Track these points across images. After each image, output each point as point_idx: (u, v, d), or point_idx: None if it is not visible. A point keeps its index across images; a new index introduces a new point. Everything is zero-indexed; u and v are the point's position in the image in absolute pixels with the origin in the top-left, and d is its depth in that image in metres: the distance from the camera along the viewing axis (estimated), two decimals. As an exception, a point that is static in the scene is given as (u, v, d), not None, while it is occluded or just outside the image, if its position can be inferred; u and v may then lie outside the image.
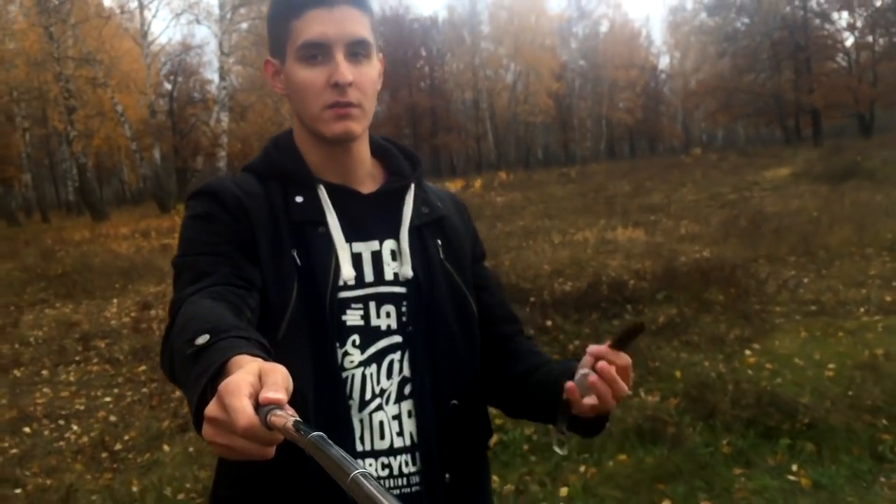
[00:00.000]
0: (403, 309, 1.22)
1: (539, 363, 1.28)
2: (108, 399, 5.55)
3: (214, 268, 1.10)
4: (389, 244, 1.23)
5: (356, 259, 1.20)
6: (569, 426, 1.16)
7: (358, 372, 1.18)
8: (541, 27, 51.60)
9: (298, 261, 1.15)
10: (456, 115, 51.70)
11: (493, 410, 1.37)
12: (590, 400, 1.09)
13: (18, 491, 4.00)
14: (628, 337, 1.08)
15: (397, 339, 1.21)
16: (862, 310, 6.53)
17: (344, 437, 1.16)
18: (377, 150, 1.32)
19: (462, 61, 50.85)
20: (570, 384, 1.10)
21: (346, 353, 1.17)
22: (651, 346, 5.62)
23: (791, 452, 3.62)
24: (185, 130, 31.66)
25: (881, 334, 5.69)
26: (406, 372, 1.21)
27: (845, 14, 42.64)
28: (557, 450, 1.18)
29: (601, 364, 1.08)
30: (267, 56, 1.25)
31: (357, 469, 0.62)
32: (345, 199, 1.22)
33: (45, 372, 6.54)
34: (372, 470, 1.18)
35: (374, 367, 1.19)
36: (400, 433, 1.21)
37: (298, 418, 0.71)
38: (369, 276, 1.20)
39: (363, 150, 1.26)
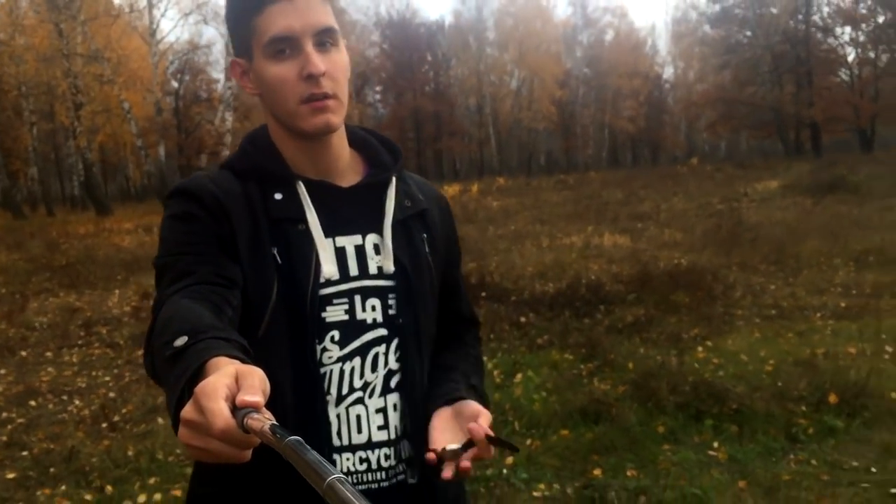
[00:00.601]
0: (389, 302, 1.22)
1: (449, 360, 1.33)
2: (108, 378, 5.99)
3: (195, 267, 1.10)
4: (372, 238, 1.23)
5: (340, 253, 1.20)
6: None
7: (336, 367, 1.18)
8: (546, 34, 52.00)
9: (279, 259, 1.16)
10: (460, 119, 52.14)
11: None
12: (446, 473, 1.14)
13: (25, 453, 4.44)
14: (500, 444, 1.16)
15: (382, 332, 1.21)
16: (818, 314, 6.95)
17: (319, 432, 1.16)
18: (356, 142, 1.31)
19: (467, 66, 51.28)
20: (430, 455, 1.16)
21: (324, 349, 1.18)
22: (613, 343, 6.05)
23: (715, 432, 4.06)
24: (189, 129, 32.23)
25: (827, 336, 6.12)
26: (392, 365, 1.22)
27: (848, 29, 43.07)
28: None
29: (472, 426, 1.15)
30: (233, 58, 1.25)
31: (333, 474, 0.63)
32: (324, 194, 1.22)
33: (49, 353, 6.98)
34: (351, 464, 1.19)
35: (357, 360, 1.20)
36: (384, 426, 1.21)
37: (275, 422, 0.72)
38: (353, 270, 1.21)
39: (341, 142, 1.26)
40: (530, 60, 49.31)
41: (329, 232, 1.20)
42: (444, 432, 1.19)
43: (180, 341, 0.90)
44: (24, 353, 7.00)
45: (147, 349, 1.01)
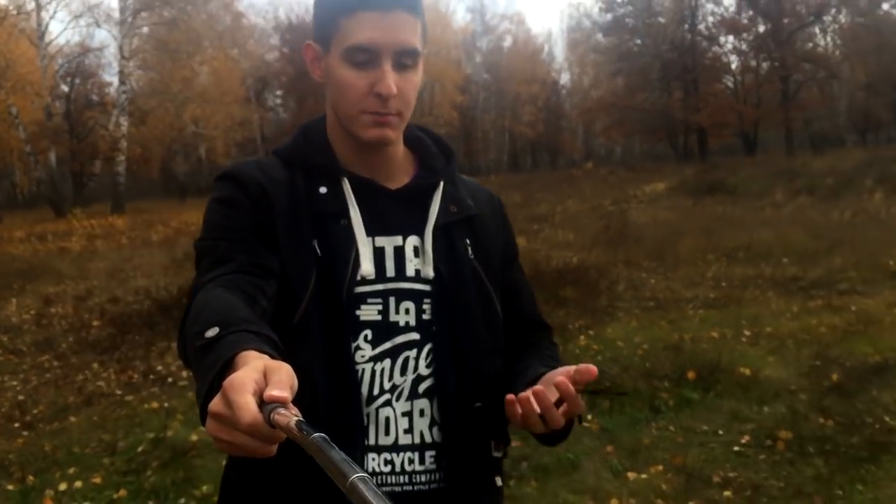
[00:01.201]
0: (424, 307, 1.21)
1: (525, 362, 1.28)
2: (15, 383, 6.06)
3: (232, 254, 1.10)
4: (412, 240, 1.22)
5: (378, 253, 1.20)
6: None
7: (368, 367, 1.18)
8: (445, 40, 52.67)
9: (319, 251, 1.16)
10: (361, 124, 52.17)
11: None
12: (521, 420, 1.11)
13: (-63, 455, 4.55)
14: (606, 392, 1.18)
15: (415, 336, 1.20)
16: (690, 305, 7.66)
17: (356, 428, 1.16)
18: (411, 142, 1.30)
19: (367, 71, 51.37)
20: (509, 397, 1.11)
21: (357, 348, 1.17)
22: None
23: (589, 407, 4.57)
24: (82, 134, 31.25)
25: (696, 323, 6.80)
26: (422, 370, 1.21)
27: (731, 38, 45.32)
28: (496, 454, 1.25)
29: (559, 379, 1.08)
30: (309, 41, 1.23)
31: (357, 473, 0.63)
32: (370, 193, 1.22)
33: (-51, 362, 6.95)
34: (376, 465, 1.18)
35: (387, 362, 1.19)
36: (409, 430, 1.20)
37: (301, 418, 0.72)
38: (391, 270, 1.20)
39: (396, 147, 1.25)
40: (431, 66, 49.82)
41: (370, 231, 1.19)
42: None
43: (212, 332, 0.91)
44: (-78, 363, 6.95)
45: (180, 335, 1.02)
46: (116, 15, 28.24)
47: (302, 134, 1.27)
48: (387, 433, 1.19)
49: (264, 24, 50.52)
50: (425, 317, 1.20)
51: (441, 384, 1.20)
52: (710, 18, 45.41)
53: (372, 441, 1.18)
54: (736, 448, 4.02)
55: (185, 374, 5.91)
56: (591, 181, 27.04)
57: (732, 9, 44.14)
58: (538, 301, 1.45)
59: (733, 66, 45.87)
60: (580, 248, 11.67)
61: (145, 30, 30.11)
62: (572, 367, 1.12)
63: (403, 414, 1.19)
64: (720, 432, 4.24)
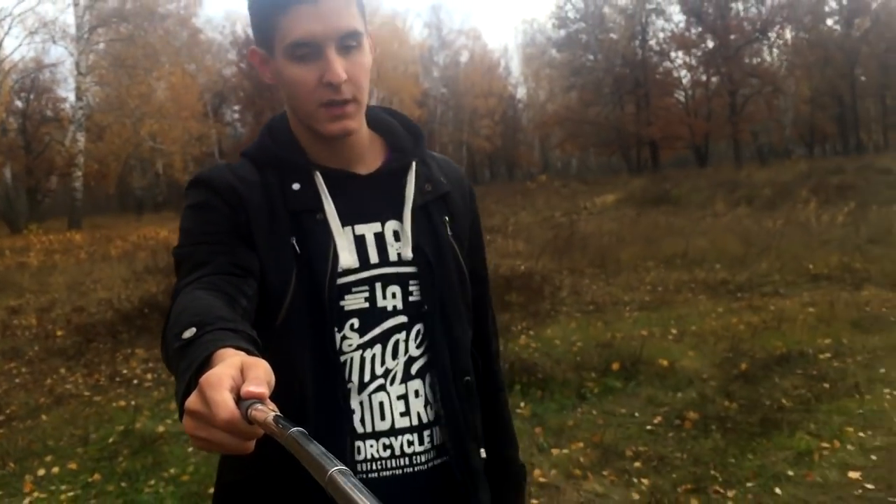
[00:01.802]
0: (411, 288, 1.23)
1: (494, 439, 1.38)
2: (-17, 388, 6.37)
3: (211, 257, 1.11)
4: (392, 225, 1.23)
5: (359, 241, 1.21)
6: None
7: (357, 355, 1.19)
8: (403, 55, 53.18)
9: (297, 248, 1.16)
10: (319, 138, 52.35)
11: None
12: None
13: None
14: None
15: (402, 319, 1.22)
16: (627, 308, 8.20)
17: (341, 420, 1.17)
18: (377, 125, 1.30)
19: (326, 86, 51.60)
20: None
21: (344, 337, 1.18)
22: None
23: (523, 395, 5.06)
24: (38, 149, 31.11)
25: (629, 324, 7.34)
26: (413, 351, 1.23)
27: (681, 53, 46.53)
28: None
29: None
30: (253, 47, 1.23)
31: (335, 466, 0.63)
32: (343, 182, 1.22)
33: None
34: (374, 451, 1.20)
35: (377, 348, 1.20)
36: (405, 413, 1.22)
37: (279, 413, 0.72)
38: (374, 257, 1.21)
39: (361, 134, 1.25)
40: (389, 80, 50.35)
41: (347, 220, 1.20)
42: None
43: (189, 332, 0.91)
44: None
45: (162, 340, 1.01)
46: (73, 31, 28.30)
47: (268, 132, 1.28)
48: (382, 418, 1.20)
49: (221, 39, 50.55)
50: (412, 298, 1.23)
51: (435, 362, 1.23)
52: (661, 34, 46.58)
53: (369, 428, 1.20)
54: (648, 427, 4.54)
55: (149, 376, 6.27)
56: (544, 193, 27.72)
57: (682, 25, 45.40)
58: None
59: (684, 81, 46.99)
60: (528, 257, 12.17)
61: (102, 46, 30.17)
62: None
63: (399, 397, 1.21)
64: (636, 415, 4.76)
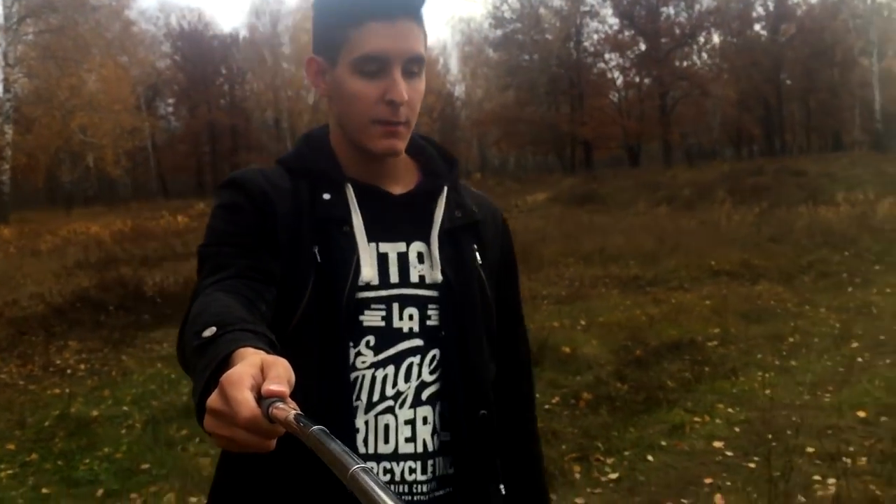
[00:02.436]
0: (429, 312, 1.21)
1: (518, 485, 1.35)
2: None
3: (234, 260, 1.11)
4: (417, 246, 1.22)
5: (381, 259, 1.20)
6: None
7: (368, 373, 1.17)
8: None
9: (319, 257, 1.16)
10: (257, 133, 52.10)
11: None
12: None
13: None
14: None
15: (418, 342, 1.20)
16: (545, 301, 8.73)
17: (344, 437, 1.05)
18: (413, 149, 1.30)
19: (263, 80, 51.28)
20: None
21: (358, 353, 1.17)
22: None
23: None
24: (-37, 142, 30.27)
25: (544, 315, 7.85)
26: (426, 377, 1.20)
27: (615, 55, 47.62)
28: None
29: None
30: (311, 56, 1.24)
31: (357, 464, 0.63)
32: (373, 199, 1.22)
33: None
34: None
35: (390, 368, 1.18)
36: (411, 439, 1.19)
37: (300, 411, 0.72)
38: (394, 277, 1.20)
39: (399, 156, 1.25)
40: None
41: (373, 237, 1.19)
42: None
43: (209, 331, 0.91)
44: None
45: (179, 339, 1.01)
46: (0, 21, 27.68)
47: (305, 142, 1.29)
48: (386, 441, 1.17)
49: (155, 31, 49.85)
50: (430, 323, 1.20)
51: (448, 390, 1.21)
52: (595, 36, 47.57)
53: (371, 449, 1.17)
54: (546, 406, 5.04)
55: (83, 366, 6.53)
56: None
57: (615, 27, 46.49)
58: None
59: (617, 83, 48.11)
60: (457, 254, 12.66)
61: (31, 37, 29.60)
62: None
63: (406, 422, 1.18)
64: (537, 396, 5.23)
